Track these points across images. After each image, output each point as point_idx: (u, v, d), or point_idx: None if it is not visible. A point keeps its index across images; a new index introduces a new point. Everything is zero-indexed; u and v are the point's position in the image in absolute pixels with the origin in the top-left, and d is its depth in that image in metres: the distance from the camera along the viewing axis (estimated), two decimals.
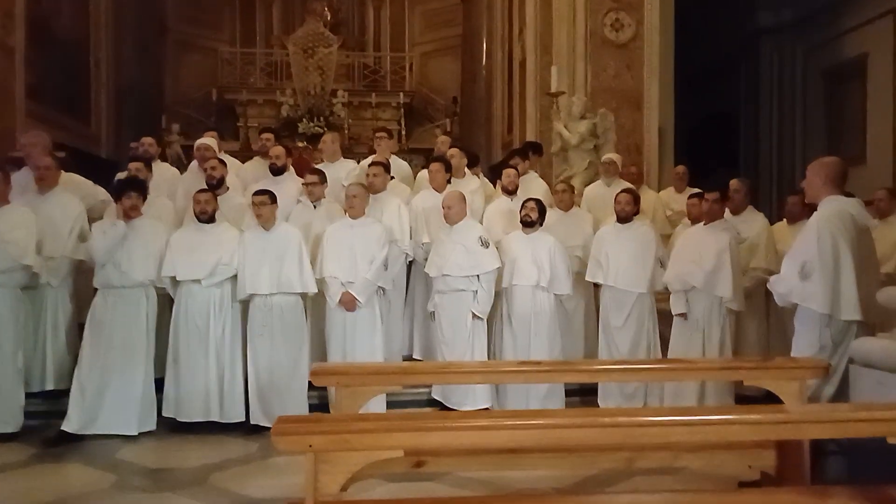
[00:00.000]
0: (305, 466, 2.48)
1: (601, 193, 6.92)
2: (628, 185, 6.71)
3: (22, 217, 5.22)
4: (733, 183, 6.19)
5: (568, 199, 6.42)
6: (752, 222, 6.11)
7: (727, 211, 5.92)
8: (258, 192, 5.52)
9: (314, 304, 5.73)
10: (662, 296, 5.93)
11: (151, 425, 5.24)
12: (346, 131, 12.44)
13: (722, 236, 5.46)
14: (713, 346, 5.46)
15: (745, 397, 5.17)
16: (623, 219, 5.85)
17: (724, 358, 5.25)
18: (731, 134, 13.38)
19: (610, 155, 7.26)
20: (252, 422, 5.35)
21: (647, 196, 7.22)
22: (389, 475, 3.95)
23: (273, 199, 5.51)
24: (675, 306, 5.59)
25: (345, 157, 7.16)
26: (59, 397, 5.38)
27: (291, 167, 6.62)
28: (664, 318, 5.90)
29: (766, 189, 12.15)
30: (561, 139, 7.76)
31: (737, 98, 13.33)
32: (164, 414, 5.32)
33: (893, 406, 2.90)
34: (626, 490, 4.02)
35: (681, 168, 8.13)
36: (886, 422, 2.62)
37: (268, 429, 5.16)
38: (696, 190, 6.65)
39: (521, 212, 5.82)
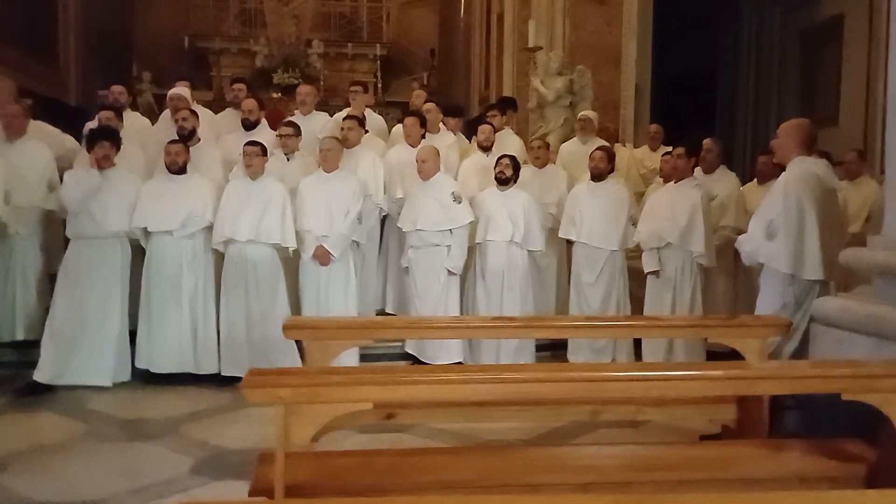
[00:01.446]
0: (276, 418, 2.51)
1: (576, 151, 6.92)
2: (604, 142, 6.73)
3: None
4: (706, 142, 6.23)
5: (543, 155, 6.43)
6: (724, 181, 6.17)
7: (699, 170, 5.97)
8: (250, 143, 5.49)
9: (288, 258, 5.72)
10: (634, 253, 6.00)
11: (126, 376, 5.26)
12: (322, 83, 12.25)
13: (693, 193, 5.52)
14: (685, 303, 5.56)
15: (715, 354, 5.29)
16: (597, 176, 5.88)
17: (690, 315, 5.35)
18: (707, 93, 13.39)
19: (586, 112, 7.25)
20: (224, 373, 5.38)
21: (622, 154, 7.26)
22: (360, 426, 4.03)
23: (264, 151, 5.49)
24: (648, 264, 5.66)
25: (319, 110, 7.08)
26: (30, 347, 5.36)
27: (265, 119, 6.53)
28: (635, 277, 5.98)
29: (740, 149, 12.23)
30: (537, 95, 7.73)
31: (714, 57, 13.31)
32: (138, 365, 5.34)
33: (848, 364, 3.00)
34: (590, 442, 4.13)
35: (654, 126, 8.16)
36: (841, 378, 2.71)
37: (240, 380, 5.23)
38: (670, 148, 6.68)
39: (495, 168, 5.82)
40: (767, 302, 4.00)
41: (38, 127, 5.94)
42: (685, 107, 12.69)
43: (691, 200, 5.47)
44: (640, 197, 6.60)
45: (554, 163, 6.71)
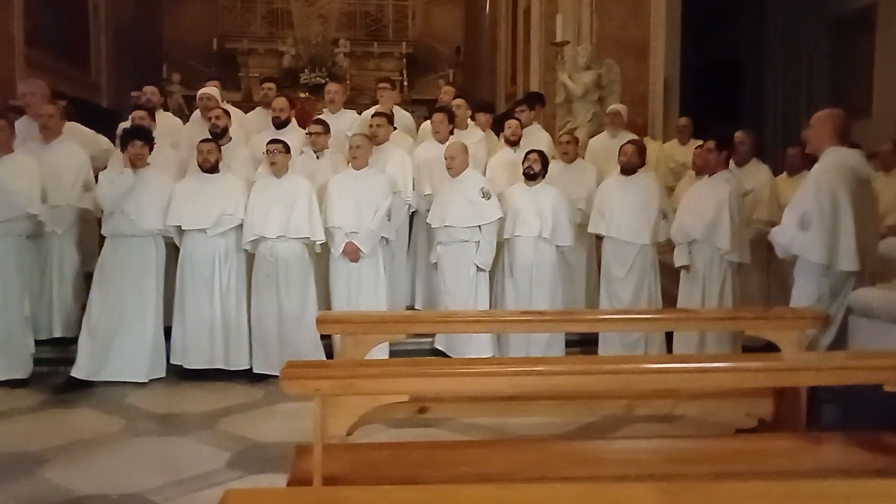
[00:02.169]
0: (313, 410, 2.53)
1: (606, 145, 6.87)
2: (634, 136, 6.67)
3: (25, 166, 5.23)
4: (738, 134, 6.16)
5: (572, 150, 6.39)
6: (757, 174, 6.10)
7: (731, 163, 5.91)
8: (273, 141, 5.53)
9: (318, 255, 5.76)
10: (665, 248, 5.96)
11: (161, 372, 5.33)
12: (349, 82, 12.30)
13: (722, 188, 5.46)
14: (713, 298, 5.50)
15: (746, 349, 5.24)
16: (628, 170, 5.83)
17: (725, 308, 5.30)
18: (735, 85, 13.22)
19: (615, 106, 7.20)
20: (255, 370, 5.43)
21: (651, 148, 7.18)
22: (393, 421, 4.03)
23: (287, 148, 5.53)
24: (678, 259, 5.62)
25: (346, 108, 7.11)
26: (67, 344, 5.47)
27: (294, 118, 6.58)
28: (667, 272, 5.94)
29: (770, 141, 12.06)
30: (565, 90, 7.69)
31: (742, 48, 13.13)
32: (172, 361, 5.41)
33: (889, 354, 2.95)
34: (625, 436, 4.11)
35: (683, 120, 8.08)
36: (882, 369, 2.67)
37: (271, 377, 5.30)
38: (700, 142, 6.61)
39: (523, 164, 5.80)
40: (803, 294, 3.96)
41: (72, 128, 6.04)
42: (713, 99, 12.55)
43: (719, 195, 5.41)
44: (670, 192, 6.53)
45: (583, 157, 6.68)
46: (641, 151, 5.95)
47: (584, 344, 5.93)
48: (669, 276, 5.91)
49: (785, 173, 6.49)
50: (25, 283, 5.27)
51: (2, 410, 4.74)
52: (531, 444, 3.19)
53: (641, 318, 4.39)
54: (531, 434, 4.11)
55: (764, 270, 6.17)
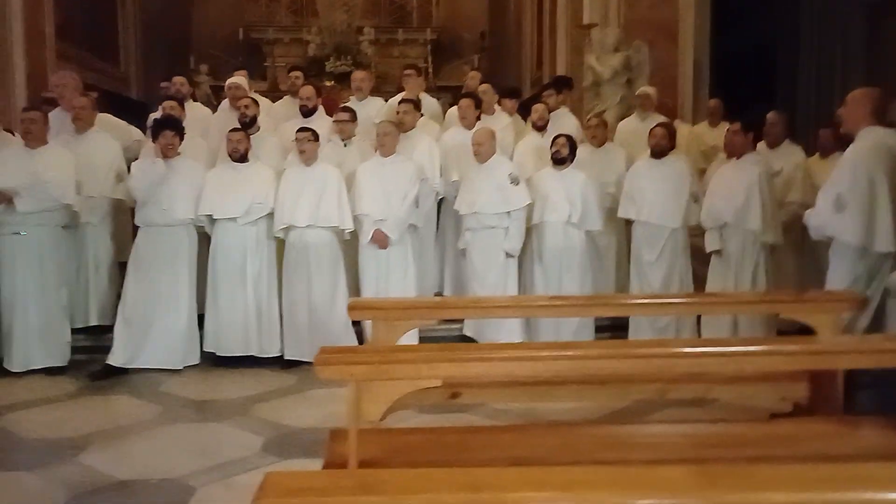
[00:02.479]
0: (347, 395, 2.55)
1: (635, 128, 6.80)
2: (663, 118, 6.60)
3: (61, 157, 5.31)
4: (770, 116, 6.06)
5: (601, 134, 6.34)
6: (789, 156, 6.01)
7: (762, 144, 5.82)
8: (302, 129, 5.56)
9: (347, 242, 5.79)
10: (696, 232, 5.90)
11: (195, 359, 5.41)
12: (373, 69, 12.29)
13: (751, 170, 5.40)
14: (745, 281, 5.44)
15: (780, 334, 5.18)
16: (658, 153, 5.77)
17: (759, 291, 5.24)
18: (767, 67, 12.98)
19: (645, 88, 7.12)
20: (287, 356, 5.49)
21: (681, 131, 7.09)
22: (424, 407, 4.06)
23: (316, 136, 5.56)
24: (710, 244, 5.57)
25: (373, 96, 7.11)
26: (103, 332, 5.57)
27: (321, 106, 6.60)
28: (697, 255, 5.88)
29: (802, 125, 11.83)
30: (593, 73, 7.62)
31: (774, 29, 12.88)
32: (206, 349, 5.48)
33: None
34: (657, 421, 4.08)
35: (713, 102, 7.96)
36: None
37: (302, 363, 5.35)
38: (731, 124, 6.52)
39: (551, 148, 5.77)
40: (838, 276, 3.89)
41: (104, 119, 6.13)
42: (744, 81, 12.33)
43: (748, 177, 5.35)
44: (701, 175, 6.46)
45: (611, 141, 6.62)
46: (672, 134, 5.88)
47: (613, 329, 5.89)
48: (700, 260, 5.86)
49: (817, 155, 6.39)
50: (62, 272, 5.38)
51: (41, 397, 4.85)
52: (564, 429, 3.18)
53: (673, 301, 4.36)
54: (562, 419, 4.11)
55: (798, 253, 6.08)
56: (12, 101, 7.73)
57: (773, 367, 3.02)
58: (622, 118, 7.29)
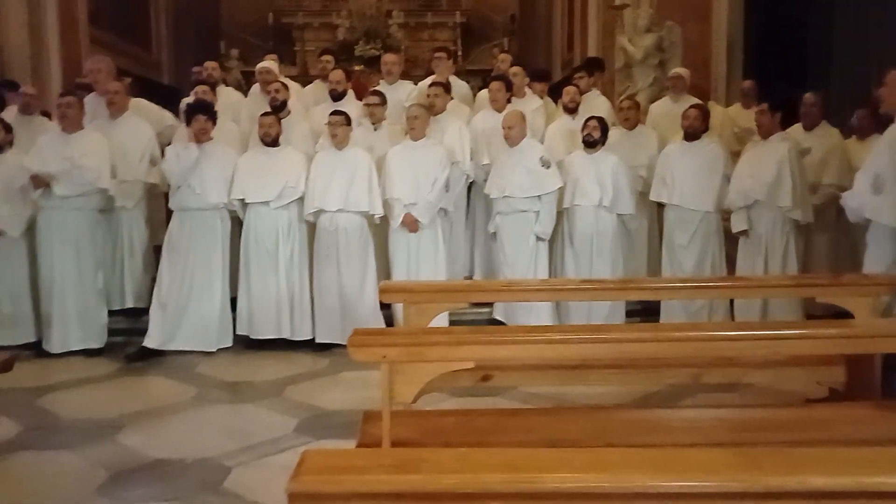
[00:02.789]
0: (381, 377, 2.57)
1: (668, 110, 6.70)
2: (697, 100, 6.50)
3: (96, 142, 5.39)
4: (807, 97, 5.95)
5: (633, 116, 6.26)
6: (826, 137, 5.90)
7: (799, 126, 5.73)
8: (335, 113, 5.57)
9: (378, 226, 5.80)
10: (725, 215, 5.82)
11: (228, 342, 5.48)
12: (403, 53, 12.26)
13: (780, 146, 5.34)
14: (775, 263, 5.38)
15: (809, 317, 5.11)
16: (691, 135, 5.70)
17: (795, 275, 5.17)
18: (801, 46, 12.69)
19: (677, 69, 7.01)
20: (318, 339, 5.53)
21: (715, 112, 6.98)
22: (455, 390, 4.07)
23: (348, 120, 5.56)
24: (737, 224, 5.51)
25: (402, 80, 7.10)
26: (139, 315, 5.66)
27: (351, 90, 6.61)
28: (732, 239, 5.80)
29: (836, 106, 11.57)
30: (625, 54, 7.52)
31: (808, 7, 12.58)
32: (238, 332, 5.54)
33: None
34: (691, 405, 4.06)
35: (747, 82, 7.81)
36: None
37: (334, 346, 5.39)
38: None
39: (582, 131, 5.72)
40: (876, 259, 3.84)
41: (138, 104, 6.20)
42: (778, 61, 12.08)
43: (777, 154, 5.29)
44: (735, 157, 6.36)
45: (643, 123, 6.54)
46: (705, 116, 5.80)
47: (644, 314, 5.85)
48: (732, 243, 5.78)
49: (854, 136, 6.26)
50: (99, 256, 5.47)
51: (80, 378, 4.95)
52: (597, 412, 3.18)
53: (707, 285, 4.31)
54: (594, 403, 4.09)
55: (831, 235, 5.98)
56: (48, 87, 7.86)
57: (810, 350, 2.99)
58: (654, 100, 7.19)
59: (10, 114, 5.92)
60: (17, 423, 4.03)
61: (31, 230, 5.46)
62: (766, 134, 5.44)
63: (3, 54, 7.94)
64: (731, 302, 5.61)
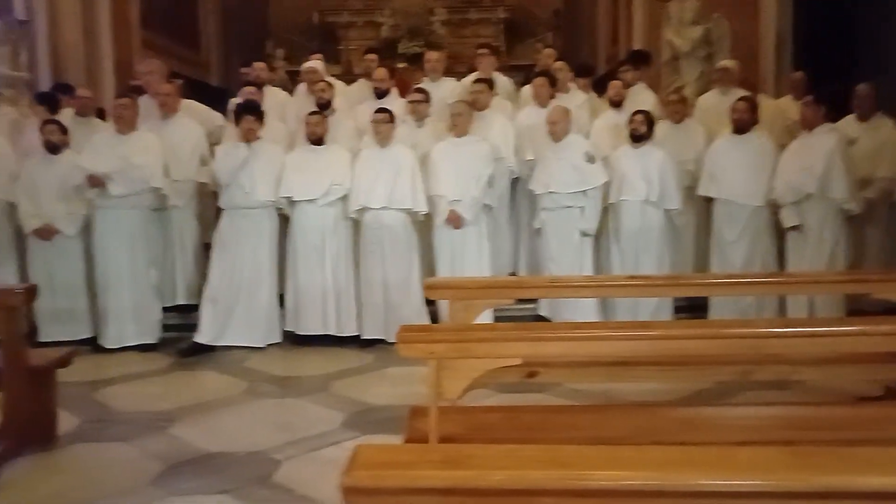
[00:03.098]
0: (428, 373, 2.59)
1: (715, 103, 6.58)
2: (745, 93, 6.38)
3: (149, 142, 5.53)
4: (860, 88, 5.81)
5: (681, 110, 6.16)
6: (880, 128, 5.75)
7: (852, 117, 5.59)
8: (380, 110, 5.61)
9: (422, 223, 5.83)
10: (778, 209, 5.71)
11: (276, 338, 5.57)
12: (446, 50, 12.27)
13: (828, 138, 5.24)
14: (824, 258, 5.26)
15: (856, 313, 4.99)
16: (740, 129, 5.60)
17: (847, 270, 5.05)
18: (850, 37, 12.33)
19: (725, 62, 6.89)
20: (364, 336, 5.58)
21: (765, 105, 6.84)
22: (500, 386, 4.09)
23: (392, 118, 5.60)
24: (788, 219, 5.39)
25: (446, 76, 7.11)
26: (191, 311, 5.79)
27: (395, 88, 6.65)
28: (781, 234, 5.69)
29: (886, 97, 11.21)
30: (671, 47, 7.42)
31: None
32: (286, 328, 5.63)
33: None
34: (739, 403, 3.99)
35: (797, 74, 7.63)
36: None
37: (379, 342, 5.44)
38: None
39: (628, 125, 5.67)
40: None
41: (189, 105, 6.34)
42: (829, 53, 11.76)
43: (826, 146, 5.18)
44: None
45: (691, 117, 6.44)
46: (754, 108, 5.70)
47: (692, 310, 5.78)
48: (784, 239, 5.67)
49: None
50: (152, 253, 5.61)
51: (135, 372, 5.09)
52: (645, 410, 3.15)
53: (756, 281, 4.23)
54: (641, 400, 4.06)
55: (883, 229, 5.82)
56: (101, 89, 8.08)
57: (866, 348, 2.91)
58: (701, 93, 7.08)
59: (66, 116, 6.11)
60: (76, 416, 4.16)
61: (85, 228, 5.64)
62: (810, 126, 5.34)
63: (58, 56, 8.19)
64: (782, 298, 5.50)
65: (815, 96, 5.38)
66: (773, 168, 5.55)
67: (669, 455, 1.72)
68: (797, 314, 5.27)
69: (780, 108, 7.23)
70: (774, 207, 5.64)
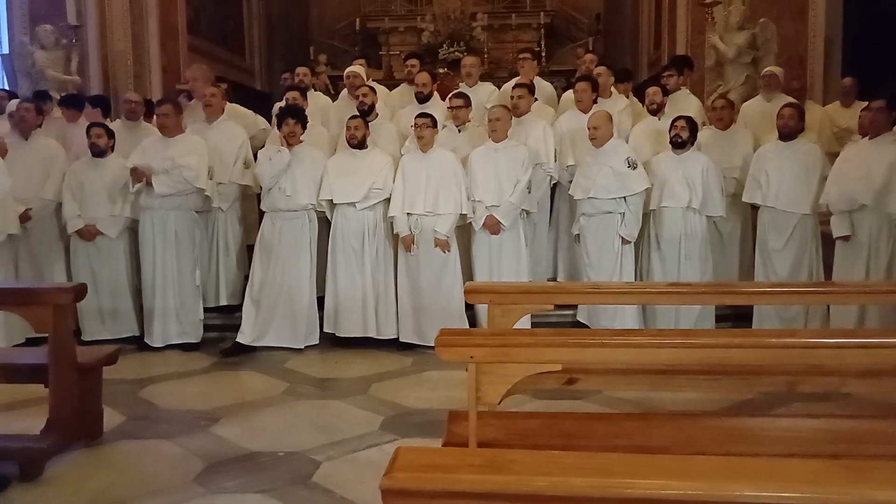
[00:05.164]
0: (468, 377, 2.58)
1: (761, 109, 6.48)
2: (791, 99, 6.26)
3: (195, 144, 5.63)
4: None
5: (727, 116, 6.05)
6: None
7: None
8: (420, 115, 5.63)
9: (460, 228, 5.83)
10: (825, 217, 5.58)
11: (315, 339, 5.61)
12: (486, 55, 12.29)
13: (891, 149, 5.06)
14: (880, 269, 5.11)
15: None
16: (786, 135, 5.49)
17: None
18: None
19: (771, 67, 6.77)
20: (402, 339, 5.60)
21: (813, 112, 6.71)
22: (538, 392, 4.06)
23: (434, 122, 5.62)
24: (838, 228, 5.25)
25: (483, 81, 7.10)
26: (233, 312, 5.88)
27: (436, 93, 6.66)
28: (829, 243, 5.56)
29: None
30: (716, 52, 7.32)
31: None
32: (325, 329, 5.67)
33: None
34: (784, 414, 3.91)
35: (847, 80, 7.47)
36: None
37: (417, 346, 5.45)
38: (866, 104, 6.12)
39: (670, 131, 5.60)
40: None
41: (233, 109, 6.44)
42: (879, 58, 11.46)
43: (889, 157, 5.02)
44: (833, 158, 6.09)
45: (736, 123, 6.34)
46: (801, 115, 5.58)
47: (735, 319, 5.69)
48: (831, 248, 5.54)
49: None
50: (196, 254, 5.70)
51: (177, 371, 5.18)
52: (688, 419, 3.10)
53: (803, 290, 4.13)
54: (682, 410, 4.00)
55: None
56: (149, 94, 8.26)
57: None
58: (746, 99, 6.97)
59: (118, 121, 6.27)
60: (121, 413, 4.25)
61: (128, 230, 5.77)
62: (875, 133, 5.17)
63: (107, 61, 8.40)
64: (828, 309, 5.38)
65: (887, 101, 5.18)
66: (822, 176, 5.43)
67: (715, 465, 1.69)
68: (844, 326, 5.14)
69: (828, 114, 7.10)
70: (822, 216, 5.51)
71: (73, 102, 6.61)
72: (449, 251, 5.54)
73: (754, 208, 5.81)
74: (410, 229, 5.52)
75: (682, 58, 7.47)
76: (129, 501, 3.18)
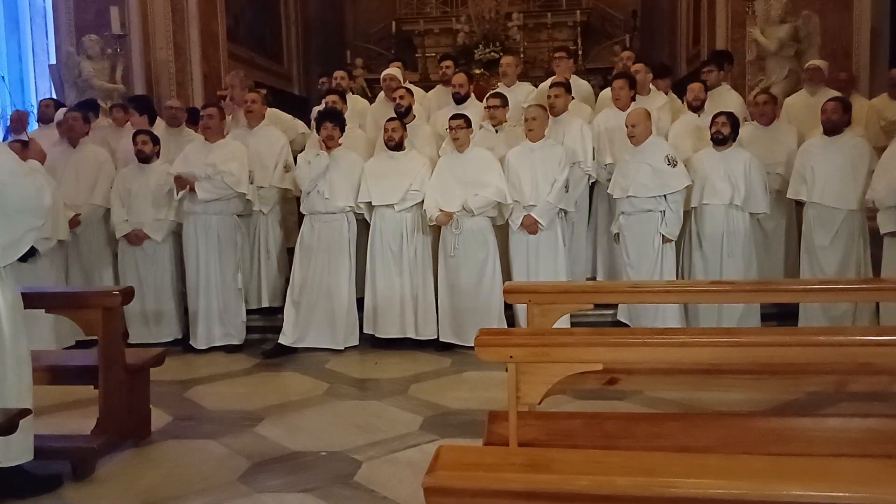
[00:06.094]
0: (508, 377, 2.58)
1: (805, 104, 6.34)
2: (836, 93, 6.12)
3: (236, 150, 5.73)
4: None
5: (769, 111, 5.94)
6: None
7: None
8: (455, 116, 5.64)
9: (498, 228, 5.82)
10: (872, 213, 5.44)
11: (355, 341, 5.66)
12: (522, 55, 12.24)
13: None
14: None
15: None
16: (831, 130, 5.37)
17: None
18: None
19: (815, 61, 6.62)
20: (441, 339, 5.61)
21: (859, 105, 6.53)
22: (579, 392, 4.03)
23: (468, 123, 5.62)
24: (886, 224, 5.12)
25: (521, 81, 7.09)
26: (274, 314, 5.96)
27: (473, 94, 6.67)
28: (877, 240, 5.43)
29: None
30: (757, 46, 7.18)
31: None
32: (365, 331, 5.71)
33: None
34: (833, 414, 3.82)
35: (895, 71, 7.28)
36: None
37: (457, 346, 5.46)
38: None
39: (711, 128, 5.51)
40: None
41: (273, 114, 6.54)
42: None
43: None
44: (880, 152, 5.94)
45: (779, 118, 6.21)
46: (846, 108, 5.45)
47: (780, 318, 5.58)
48: (879, 245, 5.40)
49: None
50: (238, 257, 5.80)
51: (221, 372, 5.27)
52: (730, 419, 3.05)
53: (852, 287, 4.03)
54: (726, 410, 3.94)
55: None
56: (191, 100, 8.42)
57: None
58: (789, 93, 6.83)
59: (160, 127, 6.40)
60: (167, 414, 4.34)
61: (173, 234, 5.89)
62: None
63: (150, 70, 8.58)
64: (878, 307, 5.25)
65: None
66: (869, 170, 5.30)
67: (761, 465, 1.66)
68: (894, 324, 5.00)
69: (875, 107, 6.91)
70: (870, 211, 5.38)
71: (131, 106, 6.73)
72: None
73: (799, 205, 5.70)
74: (451, 228, 5.52)
75: (722, 52, 7.36)
76: (177, 500, 3.25)
